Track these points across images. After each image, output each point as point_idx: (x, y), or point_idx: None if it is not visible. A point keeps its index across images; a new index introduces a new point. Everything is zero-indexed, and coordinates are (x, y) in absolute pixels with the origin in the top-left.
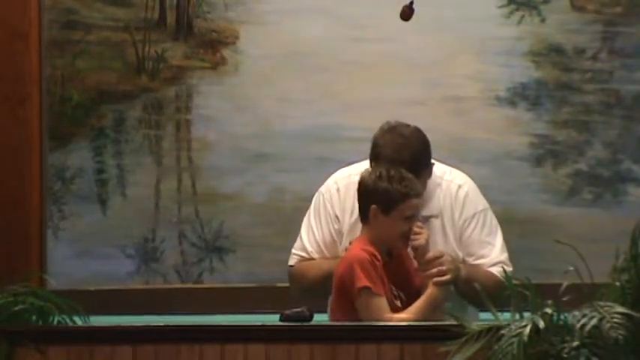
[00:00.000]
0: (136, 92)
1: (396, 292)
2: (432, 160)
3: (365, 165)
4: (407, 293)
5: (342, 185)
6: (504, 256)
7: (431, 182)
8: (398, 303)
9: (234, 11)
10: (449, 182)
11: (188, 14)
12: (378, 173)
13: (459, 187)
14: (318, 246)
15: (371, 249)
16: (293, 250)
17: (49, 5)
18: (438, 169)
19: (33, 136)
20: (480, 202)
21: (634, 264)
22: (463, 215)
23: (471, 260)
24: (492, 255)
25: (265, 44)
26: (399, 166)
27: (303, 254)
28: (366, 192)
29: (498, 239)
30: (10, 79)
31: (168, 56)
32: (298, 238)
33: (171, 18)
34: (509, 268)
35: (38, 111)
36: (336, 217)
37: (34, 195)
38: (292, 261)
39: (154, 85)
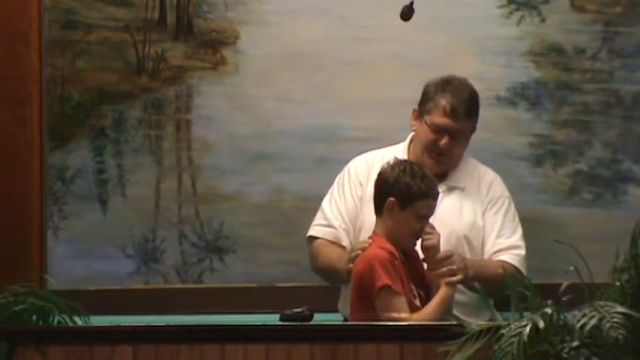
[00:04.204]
0: (136, 92)
1: (415, 292)
2: None
3: (389, 151)
4: (423, 292)
5: (369, 158)
6: (523, 243)
7: (461, 161)
8: (417, 302)
9: (234, 11)
10: (477, 166)
11: (188, 14)
12: (402, 167)
13: (486, 172)
14: (340, 213)
15: (389, 247)
16: (313, 222)
17: (49, 5)
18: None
19: (33, 136)
20: (505, 190)
21: (634, 264)
22: (489, 195)
23: (491, 238)
24: (514, 237)
25: (265, 44)
26: (463, 96)
27: (324, 222)
28: (387, 184)
29: (520, 227)
30: (10, 79)
31: (169, 56)
32: (319, 211)
33: (171, 18)
34: (522, 252)
35: (38, 111)
36: (360, 183)
37: (34, 195)
38: (312, 231)
39: (154, 85)
